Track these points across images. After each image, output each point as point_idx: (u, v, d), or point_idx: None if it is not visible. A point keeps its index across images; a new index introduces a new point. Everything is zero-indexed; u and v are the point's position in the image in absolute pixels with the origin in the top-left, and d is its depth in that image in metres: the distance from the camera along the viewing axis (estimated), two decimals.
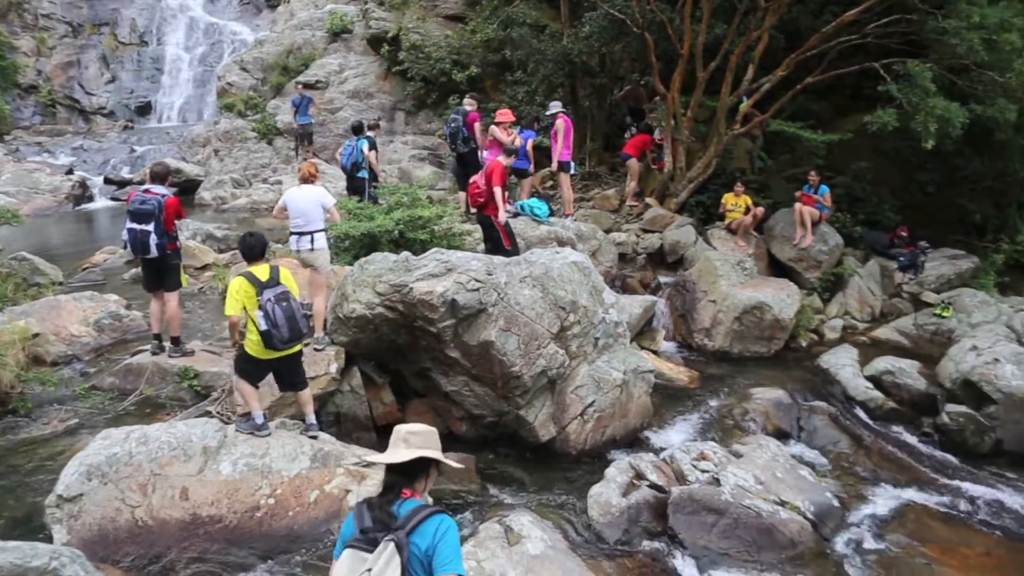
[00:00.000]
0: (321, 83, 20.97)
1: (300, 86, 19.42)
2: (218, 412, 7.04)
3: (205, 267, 11.27)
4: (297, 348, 6.25)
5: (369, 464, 2.82)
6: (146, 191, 7.33)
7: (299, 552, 5.68)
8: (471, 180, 9.77)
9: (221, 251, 12.26)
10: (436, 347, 7.24)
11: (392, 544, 2.68)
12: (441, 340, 7.07)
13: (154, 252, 7.25)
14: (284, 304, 5.91)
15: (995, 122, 10.76)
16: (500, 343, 7.00)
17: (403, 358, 7.75)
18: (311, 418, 6.55)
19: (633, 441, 8.00)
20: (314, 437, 6.47)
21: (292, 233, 7.72)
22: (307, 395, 6.54)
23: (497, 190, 9.29)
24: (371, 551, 2.72)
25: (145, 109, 25.03)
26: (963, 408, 8.83)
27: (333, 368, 7.34)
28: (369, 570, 2.65)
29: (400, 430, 3.08)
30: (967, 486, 7.95)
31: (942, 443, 8.86)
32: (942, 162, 12.58)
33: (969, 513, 7.42)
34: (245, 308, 5.99)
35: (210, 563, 5.49)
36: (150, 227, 7.17)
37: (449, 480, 6.58)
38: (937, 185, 13.24)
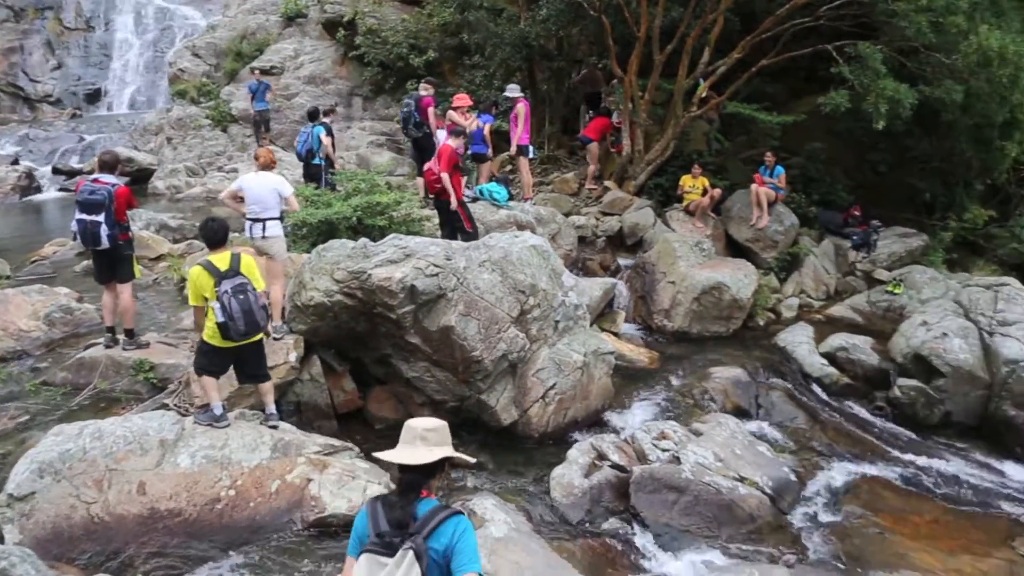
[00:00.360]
0: (276, 69, 20.62)
1: (257, 72, 19.07)
2: (175, 404, 6.93)
3: (159, 257, 11.06)
4: (257, 338, 6.17)
5: (401, 465, 2.79)
6: (95, 181, 7.15)
7: (261, 543, 5.65)
8: (426, 166, 9.72)
9: (176, 241, 12.03)
10: (396, 333, 7.20)
11: (411, 552, 2.67)
12: (401, 326, 7.04)
13: (105, 243, 7.08)
14: (241, 297, 5.81)
15: (942, 103, 10.96)
16: (460, 328, 7.00)
17: (363, 345, 7.70)
18: (271, 408, 6.50)
19: (595, 422, 8.07)
20: (274, 427, 6.42)
21: (247, 219, 7.60)
22: (267, 385, 6.48)
23: (445, 176, 9.22)
24: (389, 555, 2.71)
25: (94, 96, 24.35)
26: (914, 382, 9.08)
27: (292, 357, 7.26)
28: None
29: (415, 427, 2.97)
30: (918, 457, 8.20)
31: (894, 416, 9.12)
32: (893, 142, 12.83)
33: (919, 483, 7.65)
34: (205, 297, 5.91)
35: (170, 557, 5.44)
36: (100, 218, 7.00)
37: None
38: (888, 165, 13.49)
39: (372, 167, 13.85)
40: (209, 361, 6.15)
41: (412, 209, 9.91)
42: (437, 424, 3.02)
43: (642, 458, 6.92)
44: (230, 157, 18.76)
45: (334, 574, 5.30)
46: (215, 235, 6.07)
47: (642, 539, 6.28)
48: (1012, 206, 13.70)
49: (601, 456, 6.93)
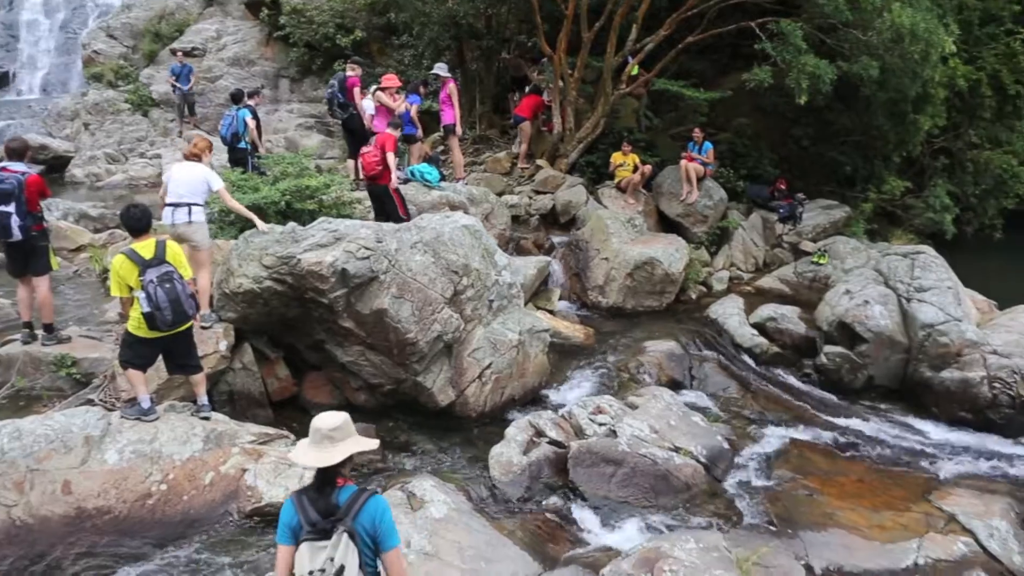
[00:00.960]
0: (198, 50, 19.95)
1: (179, 54, 18.42)
2: (101, 400, 6.70)
3: (79, 248, 10.64)
4: (186, 326, 6.02)
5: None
6: (3, 169, 6.80)
7: (197, 536, 5.58)
8: (362, 151, 9.59)
9: (97, 231, 11.58)
10: (329, 318, 7.12)
11: (346, 535, 3.07)
12: (333, 311, 6.96)
13: (17, 235, 6.75)
14: (167, 286, 5.66)
15: (860, 78, 11.29)
16: (394, 310, 6.96)
17: (296, 331, 7.59)
18: (203, 399, 6.36)
19: (532, 400, 8.15)
20: (206, 418, 6.29)
21: (168, 205, 7.26)
22: (199, 376, 6.34)
23: (390, 155, 9.13)
24: (325, 539, 3.08)
25: (1, 80, 23.09)
26: (839, 348, 9.41)
27: (222, 346, 7.10)
28: (332, 559, 3.06)
29: (321, 428, 3.22)
30: (843, 420, 8.55)
31: (821, 382, 9.46)
32: (815, 117, 13.22)
33: (845, 445, 7.96)
34: (130, 287, 5.71)
35: (100, 556, 5.32)
36: (11, 208, 6.67)
37: None
38: (811, 139, 13.92)
39: (301, 150, 13.56)
40: (135, 353, 5.97)
41: (343, 192, 9.73)
42: (340, 420, 3.28)
43: (579, 433, 7.01)
44: (152, 142, 18.10)
45: (270, 566, 5.24)
46: (137, 222, 5.86)
47: (581, 512, 6.38)
48: (926, 177, 14.32)
49: (539, 433, 7.00)
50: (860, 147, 13.61)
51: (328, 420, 3.26)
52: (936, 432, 8.43)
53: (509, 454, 6.63)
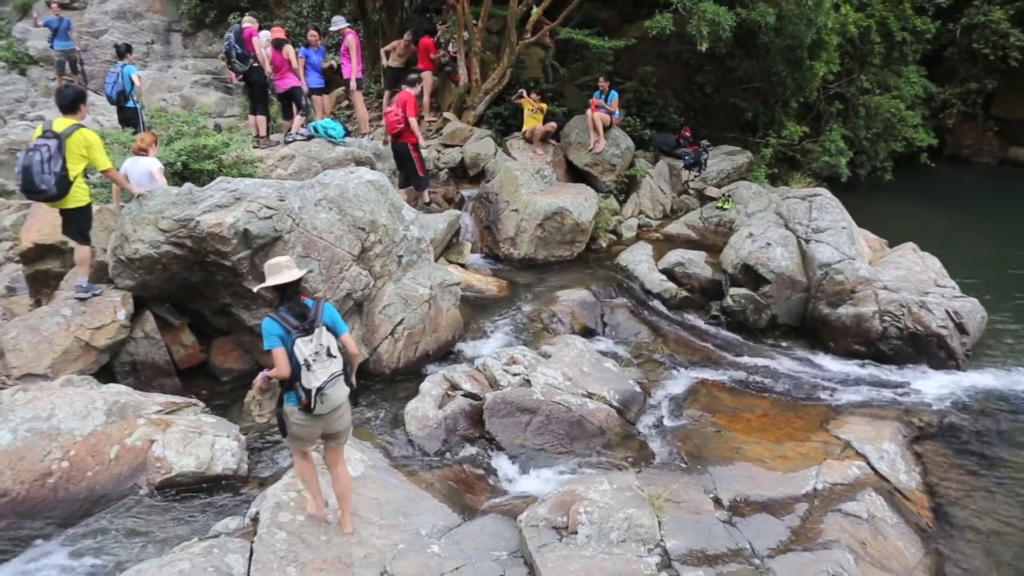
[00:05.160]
0: (78, 2, 18.67)
1: (55, 6, 17.12)
2: None
3: None
4: (56, 205, 6.46)
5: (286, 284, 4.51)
6: None
7: (104, 513, 5.44)
8: (385, 110, 10.01)
9: None
10: (234, 281, 6.90)
11: (324, 328, 4.42)
12: (238, 273, 6.75)
13: None
14: (29, 153, 6.11)
15: (758, 25, 11.52)
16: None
17: (200, 296, 7.33)
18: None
19: (446, 354, 8.16)
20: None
21: None
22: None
23: (412, 120, 9.97)
24: (310, 334, 4.35)
25: None
26: (744, 290, 9.71)
27: (121, 315, 6.81)
28: (320, 344, 4.39)
29: (278, 263, 4.49)
30: (749, 359, 8.87)
31: (728, 324, 9.76)
32: (717, 65, 13.44)
33: (751, 382, 8.27)
34: None
35: None
36: None
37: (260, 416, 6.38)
38: (714, 86, 14.16)
39: (197, 108, 12.98)
40: None
41: (243, 150, 9.36)
42: (287, 257, 4.66)
43: (494, 384, 7.08)
44: (33, 103, 16.96)
45: (185, 536, 5.13)
46: (63, 100, 6.45)
47: (499, 462, 6.48)
48: (823, 122, 14.81)
49: (454, 386, 7.02)
50: (760, 94, 13.93)
51: (280, 258, 4.55)
52: (833, 365, 8.85)
53: (424, 408, 6.65)
